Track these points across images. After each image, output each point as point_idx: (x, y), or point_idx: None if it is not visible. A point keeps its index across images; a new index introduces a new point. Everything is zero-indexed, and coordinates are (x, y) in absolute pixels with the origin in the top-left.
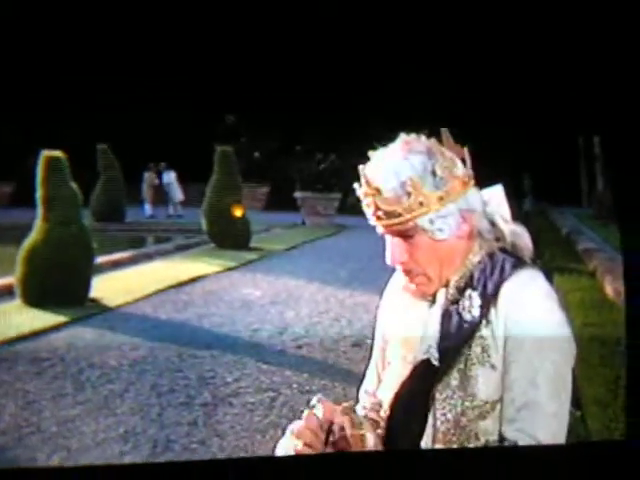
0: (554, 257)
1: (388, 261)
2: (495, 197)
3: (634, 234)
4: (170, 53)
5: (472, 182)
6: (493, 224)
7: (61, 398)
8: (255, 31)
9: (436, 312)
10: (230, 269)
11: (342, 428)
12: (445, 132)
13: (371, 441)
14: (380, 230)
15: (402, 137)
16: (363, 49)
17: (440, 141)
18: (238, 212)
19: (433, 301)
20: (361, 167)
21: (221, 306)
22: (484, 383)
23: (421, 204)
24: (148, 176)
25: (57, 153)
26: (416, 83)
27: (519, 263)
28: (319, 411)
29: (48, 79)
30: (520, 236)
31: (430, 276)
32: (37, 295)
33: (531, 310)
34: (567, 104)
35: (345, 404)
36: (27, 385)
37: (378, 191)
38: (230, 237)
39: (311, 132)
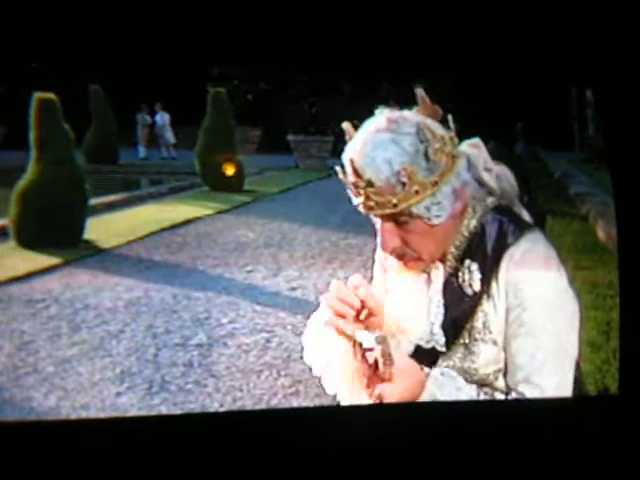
0: (547, 200)
1: (381, 248)
2: (475, 147)
3: (625, 178)
4: None
5: (457, 147)
6: (480, 182)
7: (57, 339)
8: None
9: (435, 288)
10: (224, 211)
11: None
12: (420, 92)
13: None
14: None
15: (383, 112)
16: None
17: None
18: (230, 171)
19: (429, 275)
20: (345, 154)
21: (215, 248)
22: (485, 359)
23: (417, 192)
24: (140, 117)
25: (49, 95)
26: (411, 29)
27: (517, 228)
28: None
29: (40, 20)
30: (504, 178)
31: (424, 258)
32: (31, 236)
33: (533, 283)
34: (559, 53)
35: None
36: (22, 326)
37: (370, 183)
38: (223, 180)
39: (302, 74)
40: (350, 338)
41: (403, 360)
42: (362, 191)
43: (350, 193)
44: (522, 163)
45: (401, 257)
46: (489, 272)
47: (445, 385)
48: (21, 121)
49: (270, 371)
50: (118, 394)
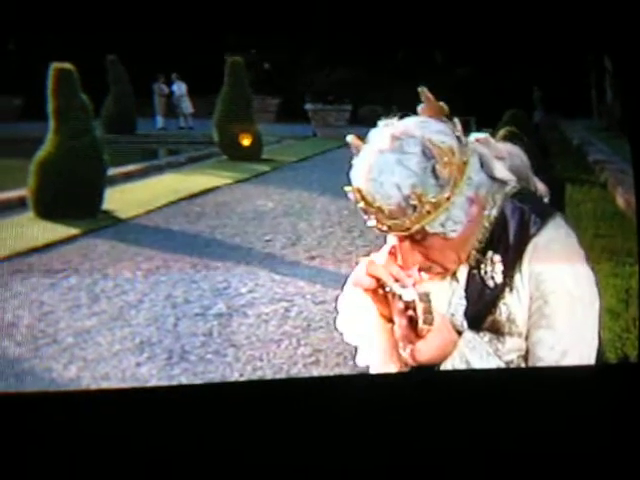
0: (566, 169)
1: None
2: (483, 143)
3: None
4: None
5: (466, 149)
6: (494, 178)
7: (76, 309)
8: None
9: (458, 280)
10: (242, 181)
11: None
12: (424, 91)
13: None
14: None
15: (387, 126)
16: None
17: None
18: (247, 140)
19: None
20: (352, 177)
21: (234, 217)
22: (509, 348)
23: (429, 212)
24: (157, 87)
25: (67, 65)
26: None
27: (538, 217)
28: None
29: None
30: (515, 153)
31: (448, 267)
32: (50, 207)
33: (555, 275)
34: (576, 19)
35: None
36: (42, 296)
37: (380, 209)
38: (242, 149)
39: (320, 43)
40: (384, 295)
41: (437, 318)
42: (373, 216)
43: (364, 217)
44: (540, 131)
45: (427, 270)
46: (512, 263)
47: (477, 348)
48: (39, 92)
49: (290, 340)
50: (138, 364)
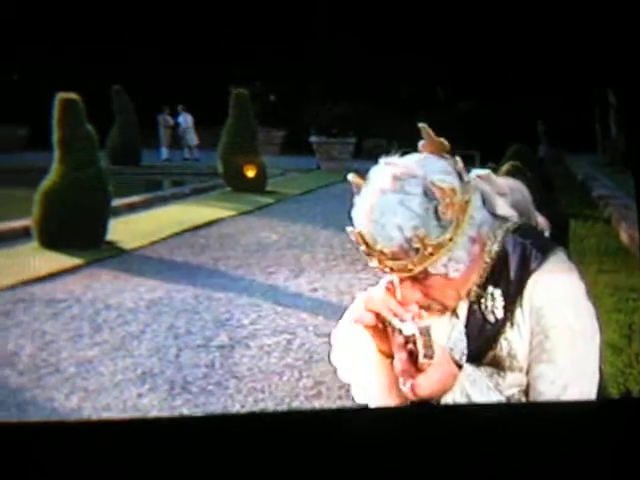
0: (570, 204)
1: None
2: (485, 180)
3: None
4: None
5: (468, 187)
6: (496, 215)
7: (79, 339)
8: None
9: (458, 316)
10: (246, 213)
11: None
12: (424, 128)
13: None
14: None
15: (388, 164)
16: None
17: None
18: (252, 172)
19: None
20: (354, 216)
21: (237, 249)
22: (510, 383)
23: (431, 254)
24: (162, 118)
25: (72, 95)
26: (432, 33)
27: (539, 252)
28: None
29: (63, 20)
30: (516, 188)
31: (448, 305)
32: (53, 237)
33: (556, 310)
34: (581, 53)
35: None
36: (44, 326)
37: (382, 252)
38: (246, 181)
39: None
40: (384, 329)
41: (437, 352)
42: (375, 259)
43: (365, 257)
44: (545, 165)
45: (427, 308)
46: (513, 298)
47: (477, 381)
48: (44, 122)
49: (292, 372)
50: (140, 395)
